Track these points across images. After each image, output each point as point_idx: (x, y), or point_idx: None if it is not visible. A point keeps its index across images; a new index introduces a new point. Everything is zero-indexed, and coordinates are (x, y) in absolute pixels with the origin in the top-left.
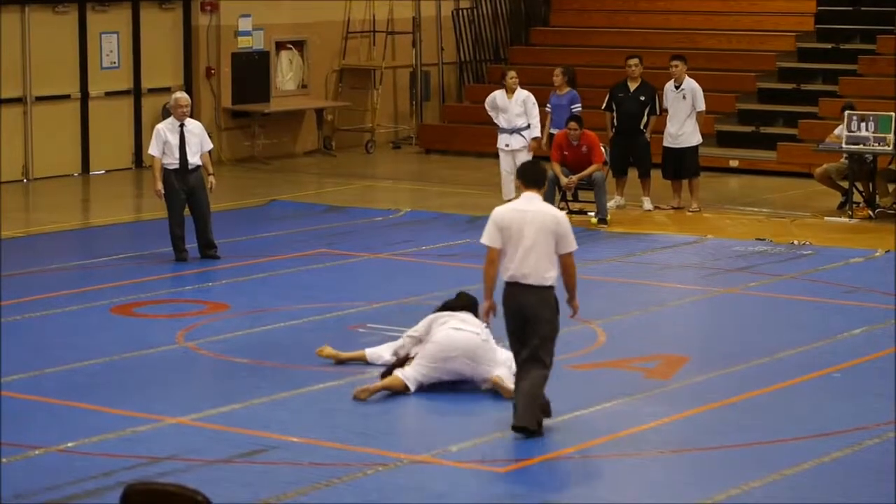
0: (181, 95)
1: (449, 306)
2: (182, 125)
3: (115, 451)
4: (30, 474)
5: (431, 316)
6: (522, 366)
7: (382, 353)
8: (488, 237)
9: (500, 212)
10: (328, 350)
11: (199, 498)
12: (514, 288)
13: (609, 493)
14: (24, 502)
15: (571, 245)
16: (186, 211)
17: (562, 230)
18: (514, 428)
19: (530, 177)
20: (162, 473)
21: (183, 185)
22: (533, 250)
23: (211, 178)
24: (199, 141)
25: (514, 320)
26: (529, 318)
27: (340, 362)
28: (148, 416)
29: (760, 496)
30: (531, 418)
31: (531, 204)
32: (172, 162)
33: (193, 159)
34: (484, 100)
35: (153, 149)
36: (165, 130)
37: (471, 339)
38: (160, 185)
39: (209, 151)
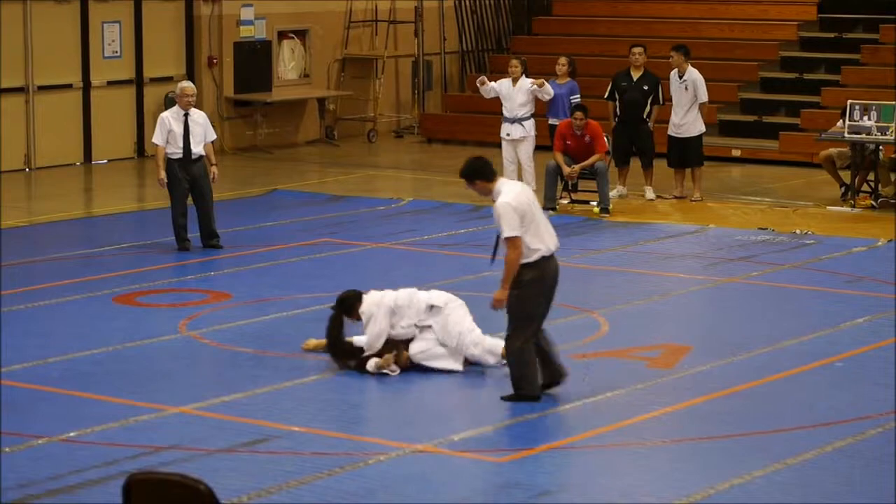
0: (186, 84)
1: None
2: (186, 114)
3: (118, 441)
4: (32, 463)
5: (387, 305)
6: (543, 332)
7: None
8: (516, 228)
9: (513, 201)
10: (312, 342)
11: (201, 487)
12: (550, 260)
13: (611, 483)
14: (27, 492)
15: None
16: (190, 200)
17: None
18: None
19: (490, 169)
20: (164, 463)
21: (186, 175)
22: (548, 223)
23: (214, 169)
24: (203, 131)
25: (549, 291)
26: (554, 286)
27: (322, 351)
28: (150, 406)
29: (763, 485)
30: None
31: (519, 185)
32: (176, 151)
33: (197, 149)
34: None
35: (157, 137)
36: (170, 119)
37: None
38: (163, 174)
39: (213, 141)
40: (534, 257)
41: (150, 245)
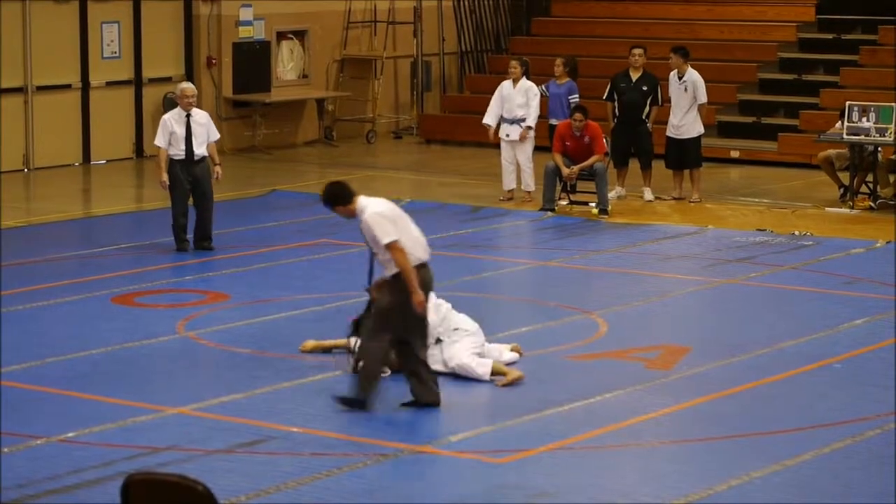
0: (187, 86)
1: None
2: (188, 115)
3: (116, 441)
4: (30, 464)
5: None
6: (421, 355)
7: None
8: (392, 232)
9: (381, 209)
10: (310, 343)
11: (199, 488)
12: (424, 269)
13: (610, 483)
14: (25, 492)
15: None
16: (190, 201)
17: None
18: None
19: (346, 192)
20: (162, 463)
21: (188, 176)
22: (418, 232)
23: (217, 169)
24: (205, 131)
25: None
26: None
27: (326, 350)
28: (148, 406)
29: (761, 486)
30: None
31: (383, 200)
32: (178, 153)
33: (199, 150)
34: (484, 90)
35: (159, 139)
36: (172, 121)
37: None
38: (165, 176)
39: (216, 141)
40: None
41: (148, 245)
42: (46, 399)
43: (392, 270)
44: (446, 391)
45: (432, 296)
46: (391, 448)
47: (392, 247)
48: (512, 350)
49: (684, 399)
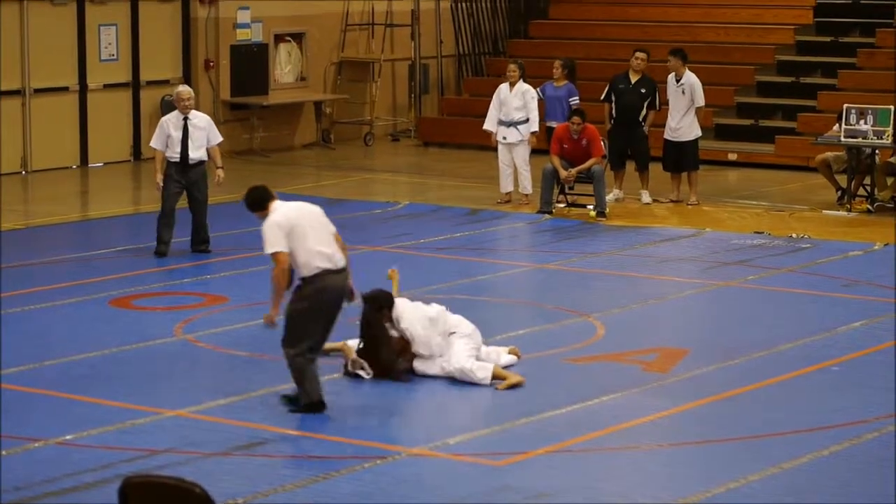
0: (183, 89)
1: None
2: (186, 118)
3: (114, 444)
4: (28, 466)
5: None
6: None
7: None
8: (276, 244)
9: (279, 217)
10: None
11: (196, 490)
12: (334, 275)
13: (607, 487)
14: (23, 494)
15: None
16: (184, 203)
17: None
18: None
19: (263, 197)
20: (160, 466)
21: (182, 180)
22: (327, 238)
23: (219, 172)
24: (204, 135)
25: (327, 307)
26: (336, 303)
27: (325, 353)
28: (146, 409)
29: (759, 489)
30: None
31: (295, 203)
32: (173, 155)
33: (196, 154)
34: (482, 93)
35: (154, 141)
36: (169, 124)
37: None
38: (160, 177)
39: (218, 144)
40: (312, 272)
41: (146, 248)
42: (44, 401)
43: (305, 273)
44: (443, 393)
45: (433, 306)
46: (389, 451)
47: (273, 258)
48: (510, 353)
49: (682, 402)
